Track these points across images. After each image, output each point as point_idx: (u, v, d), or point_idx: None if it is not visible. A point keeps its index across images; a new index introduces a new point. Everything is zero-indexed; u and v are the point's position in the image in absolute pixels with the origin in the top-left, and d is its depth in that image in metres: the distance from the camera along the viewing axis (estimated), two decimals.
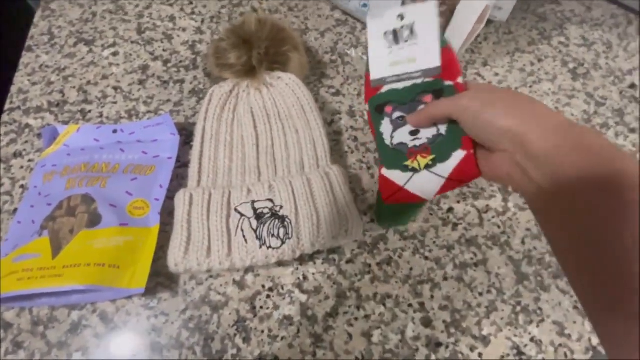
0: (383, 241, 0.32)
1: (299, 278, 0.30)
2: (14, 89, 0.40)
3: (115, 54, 0.43)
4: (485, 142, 0.21)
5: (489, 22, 0.46)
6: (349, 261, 0.31)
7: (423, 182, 0.24)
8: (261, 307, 0.29)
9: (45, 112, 0.38)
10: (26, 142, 0.36)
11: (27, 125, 0.37)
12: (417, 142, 0.24)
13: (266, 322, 0.28)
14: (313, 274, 0.30)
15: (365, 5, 0.42)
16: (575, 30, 0.48)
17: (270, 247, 0.27)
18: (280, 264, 0.30)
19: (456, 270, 0.31)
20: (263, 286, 0.30)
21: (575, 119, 0.40)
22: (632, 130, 0.40)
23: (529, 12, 0.49)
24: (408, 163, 0.24)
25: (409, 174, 0.24)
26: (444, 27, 0.38)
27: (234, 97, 0.35)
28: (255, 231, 0.28)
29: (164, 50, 0.43)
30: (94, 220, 0.29)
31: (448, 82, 0.23)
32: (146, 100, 0.39)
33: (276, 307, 0.29)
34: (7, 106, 0.39)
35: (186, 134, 0.37)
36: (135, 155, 0.34)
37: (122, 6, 0.47)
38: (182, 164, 0.35)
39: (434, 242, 0.32)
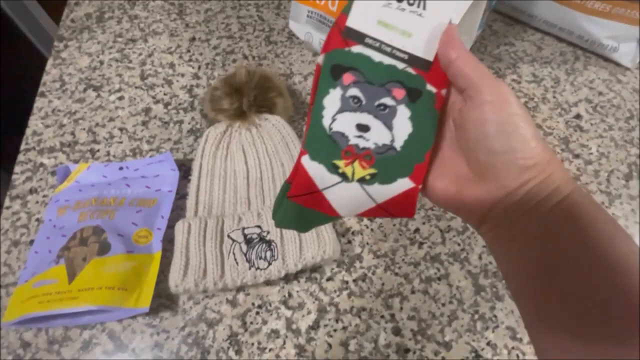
0: (359, 260, 0.36)
1: (284, 295, 0.34)
2: (28, 131, 0.45)
3: (120, 98, 0.48)
4: (487, 156, 0.17)
5: None
6: (329, 279, 0.35)
7: (348, 197, 0.19)
8: (251, 323, 0.33)
9: (58, 151, 0.43)
10: (41, 179, 0.41)
11: (42, 164, 0.42)
12: (362, 143, 0.19)
13: (256, 335, 0.32)
14: (297, 291, 0.35)
15: None
16: (526, 68, 0.55)
17: (258, 268, 0.32)
18: (268, 283, 0.34)
19: (422, 284, 0.35)
20: (253, 304, 0.34)
21: None
22: (576, 156, 0.46)
23: (485, 54, 0.56)
24: (340, 164, 0.19)
25: (336, 178, 0.19)
26: None
27: (227, 136, 0.40)
28: (245, 254, 0.32)
29: (164, 94, 0.48)
30: (104, 249, 0.33)
31: (431, 87, 0.19)
32: (149, 139, 0.44)
33: (264, 322, 0.33)
34: (22, 147, 0.44)
35: (185, 169, 0.41)
36: (140, 189, 0.38)
37: (127, 55, 0.53)
38: (181, 195, 0.39)
39: (403, 260, 0.36)
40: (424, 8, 0.18)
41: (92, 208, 0.36)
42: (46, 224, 0.36)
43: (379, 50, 0.19)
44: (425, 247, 0.37)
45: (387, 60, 0.19)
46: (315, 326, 0.33)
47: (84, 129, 0.45)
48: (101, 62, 0.52)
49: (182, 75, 0.51)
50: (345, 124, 0.19)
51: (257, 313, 0.33)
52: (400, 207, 0.20)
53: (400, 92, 0.19)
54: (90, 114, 0.46)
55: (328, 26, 0.47)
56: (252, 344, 0.32)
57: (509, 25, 0.60)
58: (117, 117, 0.46)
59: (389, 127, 0.19)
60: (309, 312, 0.33)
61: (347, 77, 0.19)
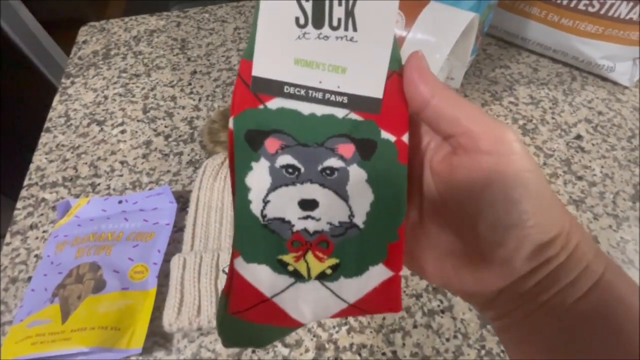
0: None
1: None
2: (32, 166, 0.46)
3: (123, 131, 0.49)
4: (491, 230, 0.13)
5: None
6: None
7: (309, 300, 0.15)
8: None
9: (60, 186, 0.44)
10: (42, 214, 0.41)
11: (43, 199, 0.43)
12: (312, 225, 0.14)
13: None
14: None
15: None
16: (523, 90, 0.55)
17: None
18: None
19: (425, 317, 0.34)
20: None
21: None
22: (579, 178, 0.45)
23: (481, 77, 0.56)
24: (288, 260, 0.15)
25: (287, 279, 0.15)
26: None
27: (225, 167, 0.41)
28: None
29: (165, 127, 0.49)
30: (99, 286, 0.33)
31: (387, 135, 0.14)
32: (149, 172, 0.45)
33: None
34: (25, 182, 0.45)
35: (183, 200, 0.42)
36: (138, 223, 0.38)
37: (131, 89, 0.55)
38: (178, 228, 0.39)
39: (404, 292, 0.35)
40: (355, 29, 0.13)
41: (89, 244, 0.36)
42: (44, 260, 0.36)
43: (307, 98, 0.14)
44: None
45: (321, 110, 0.14)
46: None
47: (85, 163, 0.46)
48: (105, 97, 0.54)
49: (183, 107, 0.52)
50: (283, 204, 0.14)
51: (253, 351, 0.32)
52: (381, 303, 0.15)
53: (348, 148, 0.14)
54: (93, 148, 0.47)
55: None
56: None
57: (503, 49, 0.61)
58: (119, 150, 0.47)
59: (343, 197, 0.14)
60: (307, 350, 0.32)
61: (271, 144, 0.14)
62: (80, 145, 0.48)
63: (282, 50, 0.13)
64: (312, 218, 0.14)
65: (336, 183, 0.14)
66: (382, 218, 0.14)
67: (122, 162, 0.46)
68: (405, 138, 0.14)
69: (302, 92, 0.14)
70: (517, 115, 0.51)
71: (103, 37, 0.63)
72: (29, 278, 0.36)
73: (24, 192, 0.43)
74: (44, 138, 0.49)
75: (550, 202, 0.13)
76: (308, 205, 0.14)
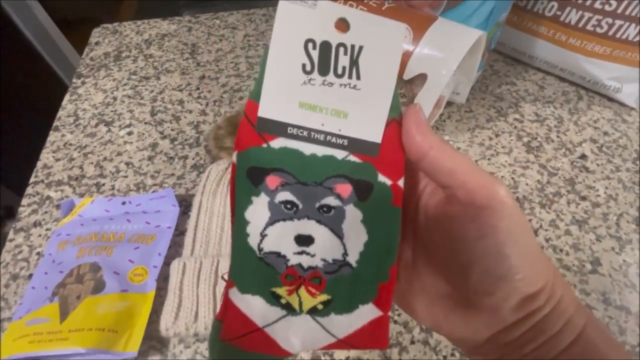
0: None
1: None
2: (39, 164, 0.47)
3: (130, 133, 0.50)
4: (482, 280, 0.14)
5: (451, 103, 0.54)
6: None
7: (299, 333, 0.16)
8: None
9: (65, 185, 0.44)
10: (46, 212, 0.42)
11: (48, 197, 0.43)
12: (306, 261, 0.15)
13: None
14: None
15: None
16: (529, 107, 0.55)
17: None
18: None
19: (422, 333, 0.34)
20: None
21: (529, 189, 0.45)
22: (583, 198, 0.44)
23: (487, 93, 0.57)
24: (281, 292, 0.15)
25: (279, 311, 0.15)
26: None
27: (229, 173, 0.41)
28: None
29: (172, 130, 0.50)
30: (98, 287, 0.33)
31: (383, 179, 0.15)
32: (153, 174, 0.45)
33: None
34: (31, 179, 0.45)
35: (186, 204, 0.42)
36: (140, 225, 0.39)
37: (140, 91, 0.55)
38: (179, 232, 0.39)
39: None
40: (359, 77, 0.14)
41: (91, 244, 0.36)
42: (46, 258, 0.37)
43: (309, 140, 0.14)
44: None
45: (322, 151, 0.14)
46: None
47: (92, 162, 0.46)
48: (115, 98, 0.54)
49: (190, 111, 0.53)
50: (280, 239, 0.15)
51: None
52: (369, 339, 0.16)
53: (345, 188, 0.14)
54: (100, 148, 0.48)
55: None
56: None
57: (510, 65, 0.61)
58: (125, 151, 0.47)
59: (339, 234, 0.15)
60: None
61: (272, 181, 0.14)
62: (87, 145, 0.48)
63: (288, 93, 0.14)
64: (307, 254, 0.15)
65: (332, 221, 0.15)
66: (375, 258, 0.15)
67: (127, 164, 0.46)
68: (400, 183, 0.15)
69: (305, 133, 0.14)
70: (522, 133, 0.51)
71: (115, 39, 0.64)
72: (30, 275, 0.37)
73: (29, 190, 0.44)
74: (52, 136, 0.50)
75: (537, 256, 0.14)
76: (304, 240, 0.15)
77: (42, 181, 0.45)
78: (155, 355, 0.32)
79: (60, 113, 0.53)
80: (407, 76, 0.40)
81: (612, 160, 0.48)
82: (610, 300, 0.36)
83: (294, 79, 0.14)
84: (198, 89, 0.56)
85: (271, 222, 0.15)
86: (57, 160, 0.47)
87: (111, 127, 0.50)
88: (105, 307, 0.31)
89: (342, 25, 0.13)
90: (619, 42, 0.49)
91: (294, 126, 0.14)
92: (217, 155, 0.42)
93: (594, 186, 0.45)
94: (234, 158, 0.15)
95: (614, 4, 0.46)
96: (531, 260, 0.14)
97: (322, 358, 0.32)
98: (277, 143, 0.14)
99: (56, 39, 1.23)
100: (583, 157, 0.49)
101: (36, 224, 0.41)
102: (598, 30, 0.49)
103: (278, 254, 0.15)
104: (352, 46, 0.13)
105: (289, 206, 0.15)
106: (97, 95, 0.55)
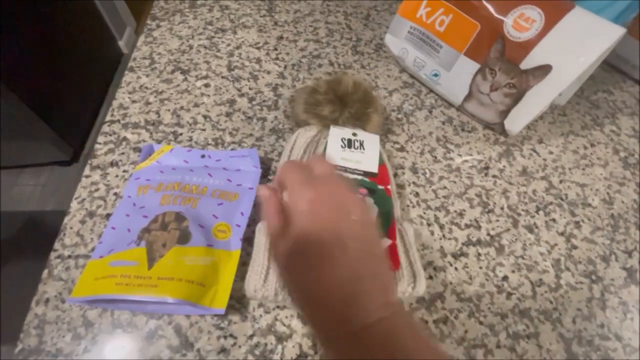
0: (440, 299, 0.33)
1: None
2: (115, 103, 0.45)
3: (207, 85, 0.48)
4: None
5: None
6: None
7: None
8: None
9: (142, 129, 0.43)
10: (122, 153, 0.41)
11: (125, 139, 0.42)
12: None
13: None
14: None
15: (436, 75, 0.47)
16: (626, 120, 0.51)
17: None
18: None
19: (509, 339, 0.32)
20: None
21: (625, 207, 0.42)
22: None
23: (582, 98, 0.53)
24: None
25: None
26: (509, 108, 0.41)
27: (315, 142, 0.39)
28: None
29: (249, 89, 0.48)
30: (185, 238, 0.32)
31: (380, 187, 0.34)
32: (232, 131, 0.43)
33: None
34: (108, 118, 0.44)
35: (264, 167, 0.40)
36: (221, 181, 0.37)
37: (216, 43, 0.53)
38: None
39: (489, 308, 0.33)
40: (363, 148, 0.37)
41: (174, 193, 0.35)
42: (125, 200, 0.36)
43: (345, 171, 0.35)
44: (513, 298, 0.34)
45: (352, 175, 0.35)
46: None
47: (168, 110, 0.45)
48: (190, 47, 0.52)
49: (268, 72, 0.50)
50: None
51: None
52: (390, 254, 0.31)
53: (363, 191, 0.34)
54: (176, 97, 0.46)
55: (429, 45, 0.45)
56: None
57: (607, 72, 0.57)
58: (202, 103, 0.46)
59: None
60: None
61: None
62: (163, 91, 0.47)
63: (336, 154, 0.36)
64: None
65: None
66: (383, 219, 0.32)
67: (205, 117, 0.44)
68: (388, 186, 0.35)
69: (343, 169, 0.35)
70: (619, 147, 0.48)
71: None
72: (108, 215, 0.36)
73: (105, 128, 0.43)
74: (128, 77, 0.48)
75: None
76: None
77: (119, 121, 0.43)
78: (235, 315, 0.31)
79: (135, 54, 0.51)
80: (526, 65, 0.37)
81: None
82: None
83: (339, 149, 0.36)
84: (276, 49, 0.53)
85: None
86: (134, 102, 0.45)
87: (187, 76, 0.48)
88: (193, 260, 0.30)
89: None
90: None
91: (340, 167, 0.35)
92: (305, 120, 0.39)
93: None
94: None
95: None
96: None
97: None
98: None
99: None
100: None
101: (113, 164, 0.40)
102: None
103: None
104: (360, 140, 0.37)
105: None
106: (173, 41, 0.53)
